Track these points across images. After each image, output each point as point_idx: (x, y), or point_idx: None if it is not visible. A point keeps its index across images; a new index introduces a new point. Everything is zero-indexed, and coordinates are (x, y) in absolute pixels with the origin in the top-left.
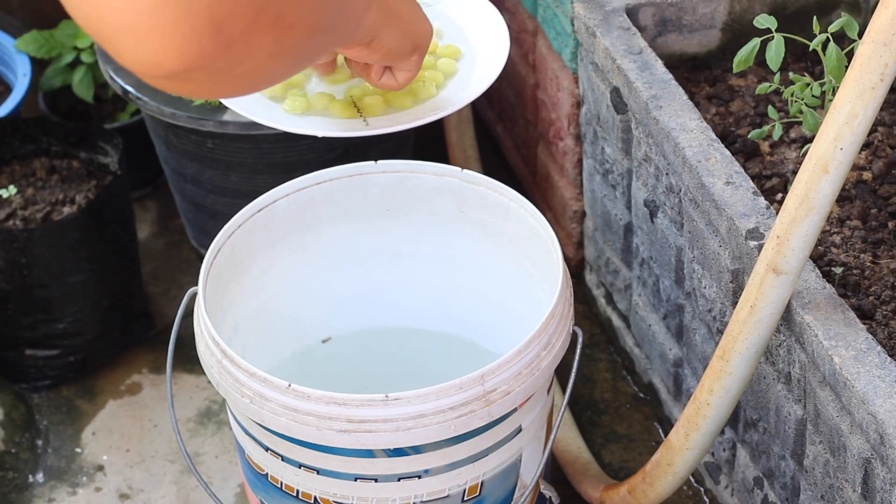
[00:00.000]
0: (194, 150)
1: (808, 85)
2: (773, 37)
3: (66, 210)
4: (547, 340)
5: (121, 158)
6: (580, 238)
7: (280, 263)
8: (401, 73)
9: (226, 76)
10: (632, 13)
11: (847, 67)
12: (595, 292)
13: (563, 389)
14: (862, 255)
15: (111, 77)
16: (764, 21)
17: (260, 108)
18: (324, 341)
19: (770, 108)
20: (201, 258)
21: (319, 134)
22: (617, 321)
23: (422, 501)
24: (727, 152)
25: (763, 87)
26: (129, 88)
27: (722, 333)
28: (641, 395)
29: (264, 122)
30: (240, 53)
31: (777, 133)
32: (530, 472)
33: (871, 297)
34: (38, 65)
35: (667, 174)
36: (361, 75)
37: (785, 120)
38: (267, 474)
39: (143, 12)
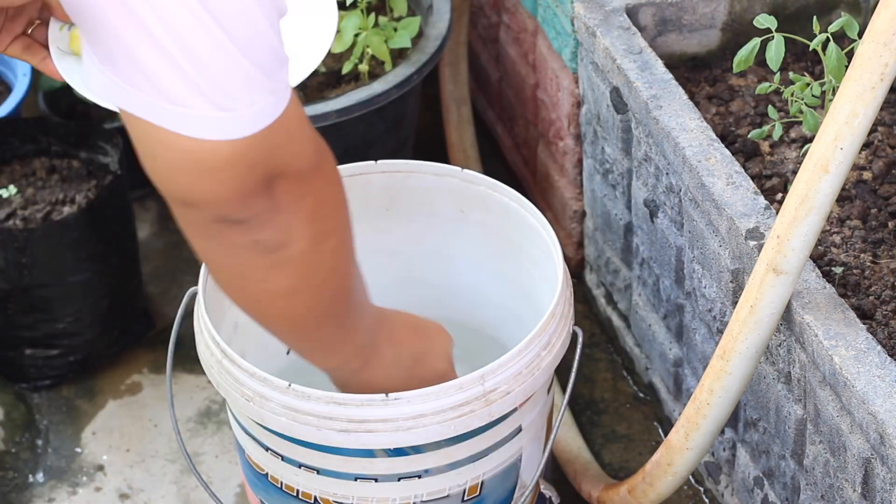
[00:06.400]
0: None
1: (808, 85)
2: (773, 37)
3: (66, 210)
4: (547, 340)
5: (121, 158)
6: (580, 238)
7: None
8: None
9: (264, 248)
10: (632, 13)
11: (847, 67)
12: (595, 292)
13: (563, 389)
14: (862, 255)
15: None
16: (764, 21)
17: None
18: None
19: (770, 108)
20: None
21: None
22: (617, 321)
23: (422, 501)
24: (727, 152)
25: (763, 87)
26: None
27: (722, 333)
28: (641, 395)
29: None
30: (275, 226)
31: (777, 133)
32: (530, 471)
33: (871, 297)
34: None
35: (667, 174)
36: None
37: (785, 120)
38: (267, 474)
39: (226, 165)
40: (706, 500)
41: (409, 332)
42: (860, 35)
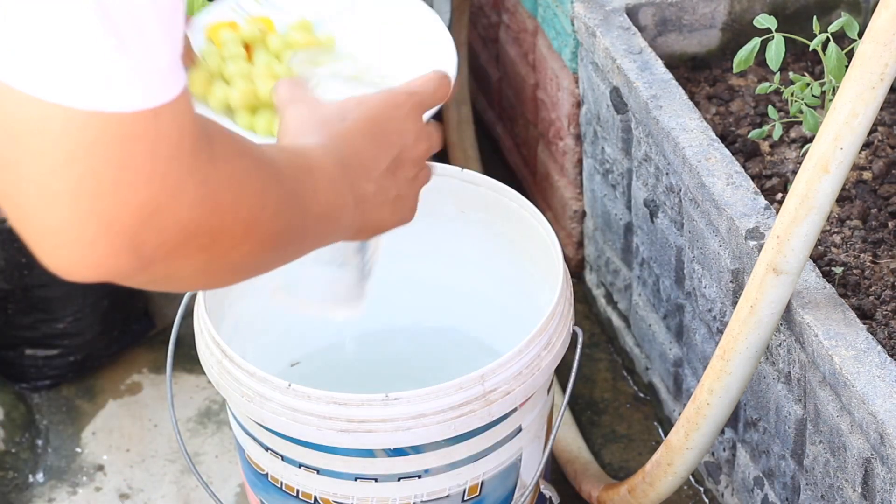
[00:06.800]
0: None
1: (808, 85)
2: (773, 37)
3: None
4: (547, 340)
5: None
6: (580, 238)
7: None
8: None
9: (153, 285)
10: (632, 13)
11: (847, 67)
12: (595, 292)
13: (563, 389)
14: (862, 255)
15: None
16: (764, 21)
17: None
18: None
19: (770, 108)
20: None
21: None
22: (617, 321)
23: (422, 501)
24: (727, 152)
25: (763, 87)
26: None
27: (722, 333)
28: (641, 395)
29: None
30: (162, 272)
31: (777, 133)
32: (530, 471)
33: (871, 297)
34: None
35: (667, 174)
36: None
37: (785, 120)
38: (267, 474)
39: (65, 223)
40: (706, 500)
41: (368, 146)
42: (860, 35)
